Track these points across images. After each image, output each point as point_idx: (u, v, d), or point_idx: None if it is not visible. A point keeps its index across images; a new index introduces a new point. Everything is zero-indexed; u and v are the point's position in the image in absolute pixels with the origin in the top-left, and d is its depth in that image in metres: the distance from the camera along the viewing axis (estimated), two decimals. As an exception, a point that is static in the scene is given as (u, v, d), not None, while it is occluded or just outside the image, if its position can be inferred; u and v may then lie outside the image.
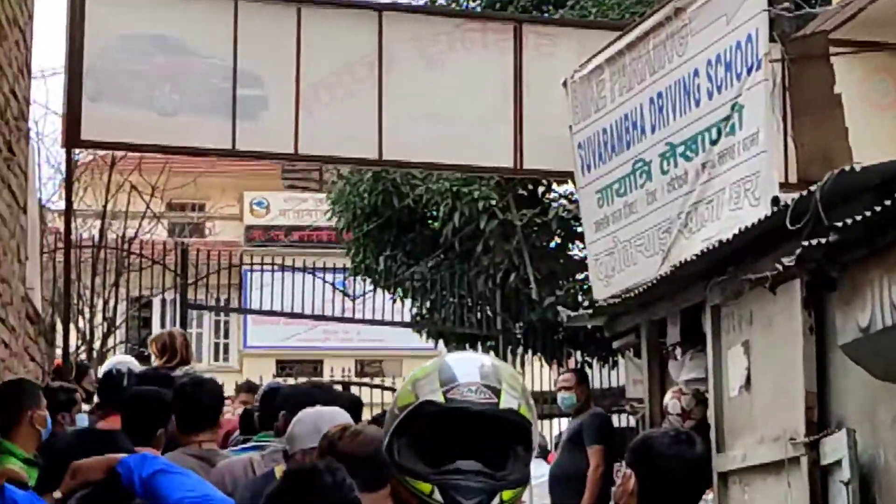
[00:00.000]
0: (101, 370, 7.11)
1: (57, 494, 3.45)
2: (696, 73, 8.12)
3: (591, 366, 14.17)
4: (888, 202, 5.38)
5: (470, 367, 2.46)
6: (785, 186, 7.89)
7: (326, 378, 23.14)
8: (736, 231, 6.95)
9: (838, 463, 6.00)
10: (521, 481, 2.44)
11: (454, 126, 9.86)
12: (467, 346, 14.37)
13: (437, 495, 2.37)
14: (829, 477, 6.17)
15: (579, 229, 12.75)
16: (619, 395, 12.35)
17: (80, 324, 19.90)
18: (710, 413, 7.58)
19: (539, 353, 14.63)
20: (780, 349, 6.67)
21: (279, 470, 4.16)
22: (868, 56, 8.65)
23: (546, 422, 15.85)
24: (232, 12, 9.43)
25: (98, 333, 20.08)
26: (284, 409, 5.12)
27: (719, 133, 7.85)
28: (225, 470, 4.87)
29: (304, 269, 16.62)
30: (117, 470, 3.39)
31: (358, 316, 16.64)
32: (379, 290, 15.78)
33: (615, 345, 10.01)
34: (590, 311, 9.92)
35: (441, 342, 15.39)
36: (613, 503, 3.97)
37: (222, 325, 32.53)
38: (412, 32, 9.94)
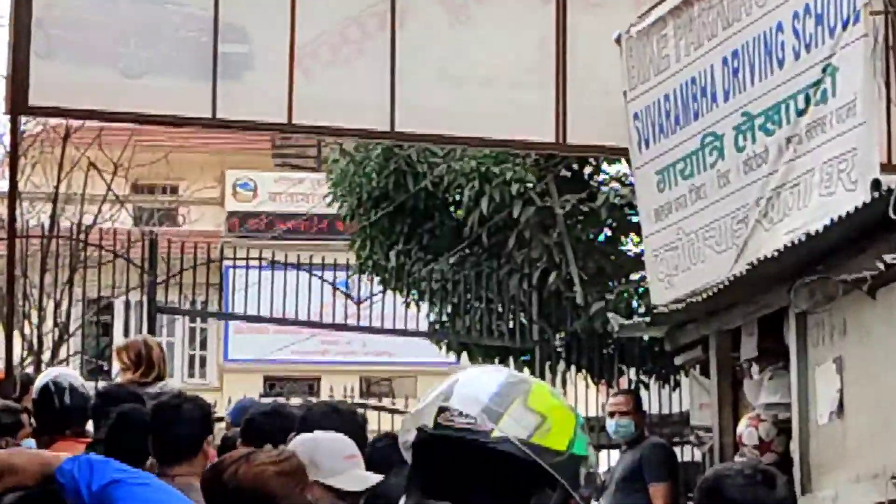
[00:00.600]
0: (36, 385, 7.04)
1: None
2: (780, 27, 8.09)
3: (647, 386, 14.15)
4: None
5: (475, 384, 2.45)
6: (887, 167, 7.85)
7: (325, 399, 23.19)
8: (827, 221, 6.92)
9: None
10: None
11: (482, 91, 9.85)
12: (496, 360, 14.37)
13: None
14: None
15: (634, 219, 12.72)
16: (681, 423, 12.33)
17: (27, 330, 19.97)
18: (794, 445, 7.56)
19: (584, 371, 14.63)
20: (881, 366, 6.65)
21: None
22: None
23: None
24: (212, -49, 9.47)
25: (48, 342, 20.14)
26: (283, 429, 5.14)
27: (808, 101, 7.83)
28: None
29: (298, 266, 16.65)
30: (57, 479, 3.33)
31: (363, 323, 16.65)
32: (389, 292, 15.80)
33: (678, 361, 9.98)
34: (646, 319, 9.90)
35: (464, 356, 15.41)
36: None
37: (198, 333, 32.62)
38: (432, -24, 9.97)
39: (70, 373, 8.55)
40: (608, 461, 13.88)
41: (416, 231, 15.17)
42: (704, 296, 8.50)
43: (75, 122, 19.07)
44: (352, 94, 9.71)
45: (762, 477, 3.80)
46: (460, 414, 2.39)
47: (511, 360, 14.70)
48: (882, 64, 8.19)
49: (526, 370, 13.82)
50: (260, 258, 16.66)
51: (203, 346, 33.12)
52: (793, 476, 7.35)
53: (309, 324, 16.94)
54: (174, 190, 32.13)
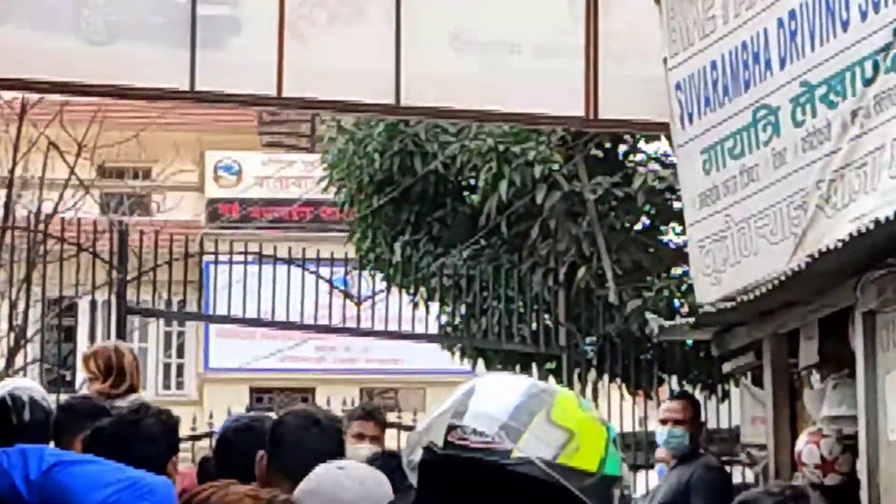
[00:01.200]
0: None
1: None
2: (844, -17, 8.09)
3: (691, 397, 14.18)
4: None
5: (492, 395, 2.46)
6: (969, 145, 7.84)
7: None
8: (899, 207, 6.93)
9: None
10: None
11: (501, 59, 9.88)
12: (517, 368, 14.39)
13: None
14: None
15: (676, 205, 12.73)
16: (730, 440, 12.34)
17: (-22, 335, 20.05)
18: (861, 464, 7.58)
19: (618, 380, 14.64)
20: (962, 374, 6.65)
21: None
22: None
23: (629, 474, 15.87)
24: None
25: (2, 348, 20.19)
26: (262, 447, 5.10)
27: (876, 68, 7.82)
28: None
29: (289, 261, 16.66)
30: None
31: (364, 326, 16.66)
32: (394, 291, 15.82)
33: (726, 368, 10.00)
34: (690, 320, 9.91)
35: (480, 363, 15.42)
36: None
37: (175, 337, 32.71)
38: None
39: (29, 384, 8.55)
40: (646, 484, 13.89)
41: (424, 220, 15.19)
42: (757, 293, 8.51)
43: (33, 97, 19.09)
44: (351, 62, 9.73)
45: (791, 493, 3.81)
46: (474, 431, 2.40)
47: (534, 367, 14.72)
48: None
49: (551, 379, 13.83)
50: (245, 252, 16.66)
51: (180, 352, 33.21)
52: (860, 499, 7.36)
53: (302, 327, 16.93)
54: (146, 174, 32.20)
